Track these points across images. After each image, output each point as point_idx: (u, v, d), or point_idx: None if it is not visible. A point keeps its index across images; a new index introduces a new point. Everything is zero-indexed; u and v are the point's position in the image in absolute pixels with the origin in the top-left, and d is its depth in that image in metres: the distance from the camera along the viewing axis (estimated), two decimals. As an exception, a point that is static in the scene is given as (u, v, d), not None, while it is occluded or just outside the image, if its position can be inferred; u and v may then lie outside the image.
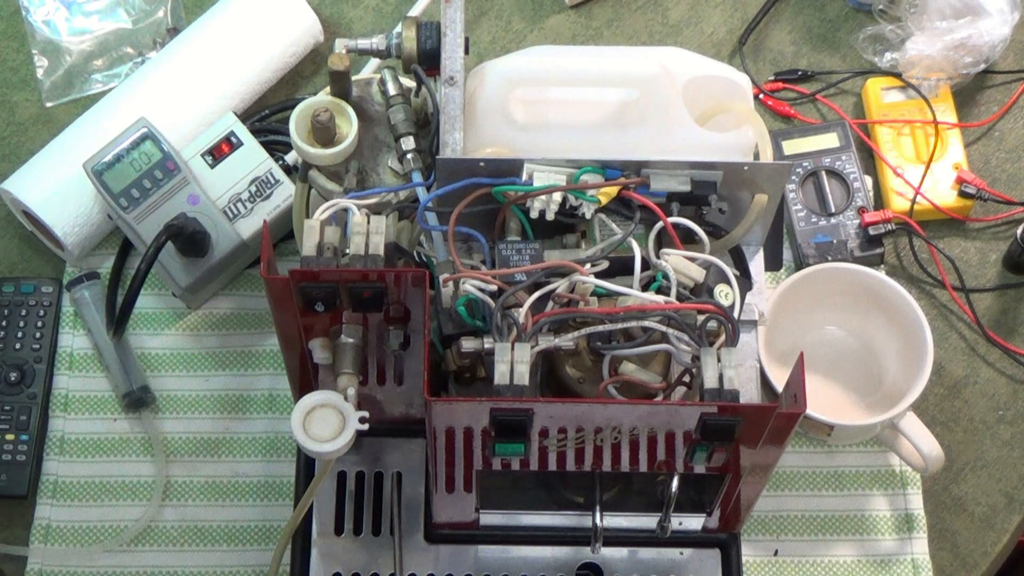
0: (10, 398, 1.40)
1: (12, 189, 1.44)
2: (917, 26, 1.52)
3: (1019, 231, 1.44)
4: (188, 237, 1.38)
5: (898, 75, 1.54)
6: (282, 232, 1.46)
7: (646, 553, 1.33)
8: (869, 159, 1.52)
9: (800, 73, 1.57)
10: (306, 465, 1.34)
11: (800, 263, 1.45)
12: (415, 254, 1.26)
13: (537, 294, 1.13)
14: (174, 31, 1.58)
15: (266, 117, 1.53)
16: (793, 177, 1.49)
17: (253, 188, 1.43)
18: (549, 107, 1.24)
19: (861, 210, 1.47)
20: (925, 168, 1.48)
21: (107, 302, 1.43)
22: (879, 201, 1.50)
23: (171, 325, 1.46)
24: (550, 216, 1.18)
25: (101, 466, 1.40)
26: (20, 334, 1.43)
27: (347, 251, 1.14)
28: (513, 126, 1.22)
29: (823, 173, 1.48)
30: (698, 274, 1.16)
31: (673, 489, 1.19)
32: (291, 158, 1.48)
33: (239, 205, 1.43)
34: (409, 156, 1.23)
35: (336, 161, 1.24)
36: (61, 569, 1.36)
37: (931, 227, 1.49)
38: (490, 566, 1.32)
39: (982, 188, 1.48)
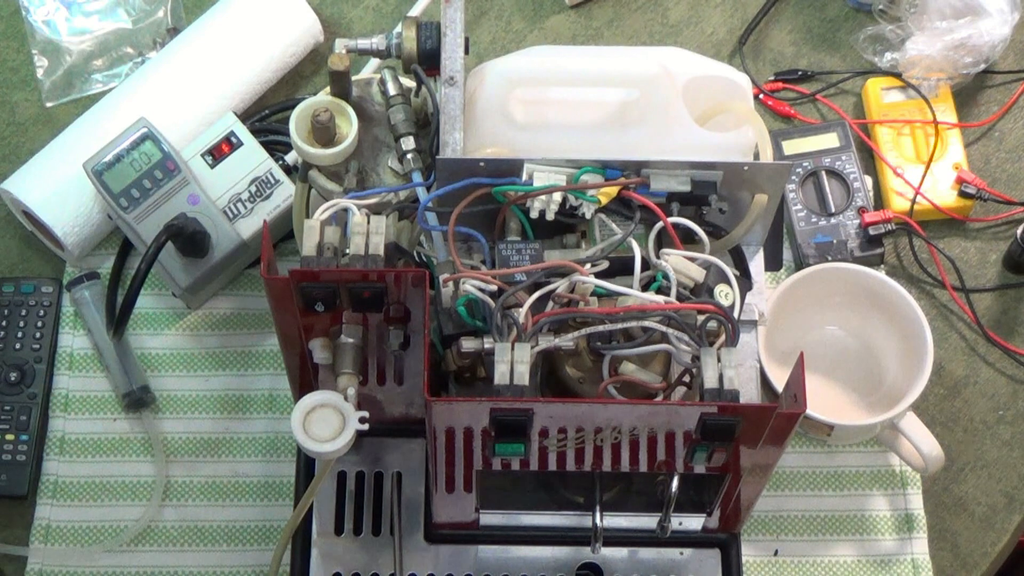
0: (10, 398, 1.40)
1: (12, 189, 1.44)
2: (917, 26, 1.52)
3: (1019, 231, 1.44)
4: (188, 237, 1.38)
5: (898, 75, 1.54)
6: (282, 232, 1.46)
7: (646, 553, 1.33)
8: (869, 159, 1.52)
9: (800, 73, 1.57)
10: (306, 465, 1.34)
11: (800, 263, 1.45)
12: (415, 254, 1.26)
13: (537, 294, 1.13)
14: (174, 31, 1.58)
15: (266, 117, 1.53)
16: (793, 177, 1.49)
17: (253, 188, 1.43)
18: (549, 107, 1.24)
19: (861, 210, 1.47)
20: (925, 168, 1.48)
21: (107, 302, 1.43)
22: (879, 201, 1.50)
23: (171, 325, 1.46)
24: (550, 216, 1.18)
25: (101, 466, 1.40)
26: (20, 334, 1.43)
27: (347, 251, 1.14)
28: (513, 126, 1.22)
29: (823, 173, 1.48)
30: (698, 274, 1.16)
31: (673, 489, 1.19)
32: (291, 158, 1.48)
33: (239, 205, 1.43)
34: (409, 156, 1.23)
35: (336, 161, 1.24)
36: (61, 569, 1.36)
37: (931, 227, 1.49)
38: (490, 566, 1.32)
39: (982, 188, 1.48)
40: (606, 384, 1.15)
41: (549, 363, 1.18)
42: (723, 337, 1.12)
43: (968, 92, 1.55)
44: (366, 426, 1.14)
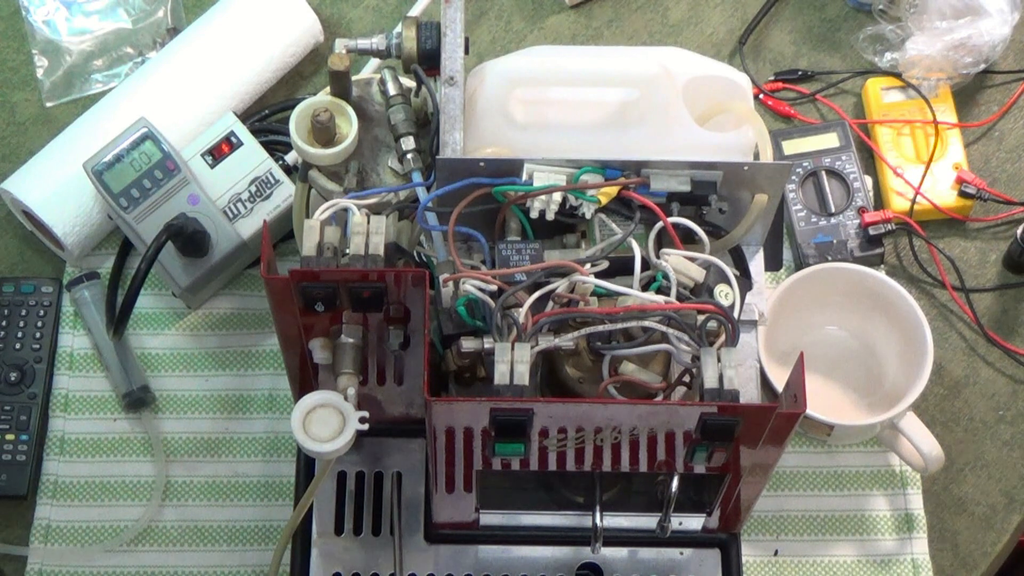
0: (10, 398, 1.40)
1: (12, 189, 1.44)
2: (917, 26, 1.52)
3: (1019, 231, 1.44)
4: (188, 237, 1.38)
5: (898, 75, 1.54)
6: (282, 232, 1.46)
7: (646, 553, 1.33)
8: (869, 159, 1.52)
9: (800, 73, 1.57)
10: (306, 465, 1.34)
11: (800, 263, 1.45)
12: (415, 254, 1.26)
13: (537, 294, 1.13)
14: (174, 31, 1.58)
15: (266, 117, 1.53)
16: (793, 177, 1.49)
17: (253, 188, 1.43)
18: (549, 107, 1.24)
19: (861, 210, 1.47)
20: (925, 168, 1.48)
21: (107, 302, 1.43)
22: (879, 201, 1.50)
23: (171, 325, 1.46)
24: (550, 216, 1.18)
25: (101, 466, 1.40)
26: (20, 334, 1.43)
27: (347, 251, 1.14)
28: (513, 126, 1.22)
29: (823, 173, 1.48)
30: (698, 274, 1.16)
31: (673, 489, 1.19)
32: (291, 158, 1.48)
33: (239, 205, 1.43)
34: (409, 156, 1.23)
35: (336, 161, 1.24)
36: (61, 569, 1.36)
37: (931, 227, 1.49)
38: (490, 566, 1.32)
39: (982, 188, 1.48)
40: (606, 384, 1.15)
41: (549, 363, 1.18)
42: (723, 337, 1.12)
43: (968, 92, 1.55)
44: (366, 426, 1.14)
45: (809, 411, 1.31)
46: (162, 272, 1.41)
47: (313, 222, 1.15)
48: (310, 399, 1.15)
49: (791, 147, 1.50)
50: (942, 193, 1.49)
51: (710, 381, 1.09)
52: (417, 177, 1.22)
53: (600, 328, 1.13)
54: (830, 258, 1.45)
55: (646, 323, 1.12)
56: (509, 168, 1.18)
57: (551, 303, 1.14)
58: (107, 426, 1.41)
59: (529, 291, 1.13)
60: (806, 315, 1.42)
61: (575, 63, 1.26)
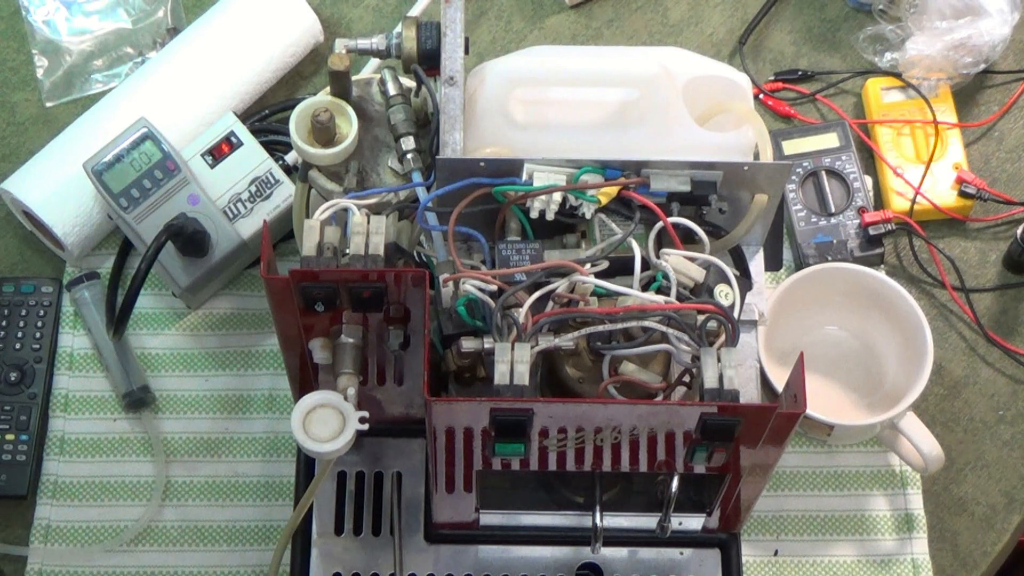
0: (10, 398, 1.40)
1: (12, 189, 1.44)
2: (917, 26, 1.52)
3: (1019, 231, 1.44)
4: (188, 237, 1.38)
5: (898, 75, 1.54)
6: (282, 232, 1.46)
7: (646, 553, 1.33)
8: (869, 159, 1.52)
9: (800, 73, 1.57)
10: (306, 465, 1.34)
11: (800, 263, 1.45)
12: (415, 254, 1.26)
13: (537, 294, 1.13)
14: (174, 31, 1.58)
15: (266, 117, 1.53)
16: (793, 177, 1.49)
17: (253, 188, 1.43)
18: (549, 107, 1.24)
19: (861, 210, 1.47)
20: (925, 168, 1.48)
21: (107, 302, 1.43)
22: (879, 201, 1.50)
23: (171, 325, 1.46)
24: (550, 216, 1.18)
25: (101, 466, 1.40)
26: (20, 334, 1.43)
27: (347, 251, 1.14)
28: (513, 126, 1.22)
29: (823, 173, 1.48)
30: (698, 274, 1.16)
31: (673, 489, 1.19)
32: (291, 158, 1.48)
33: (239, 205, 1.43)
34: (409, 156, 1.23)
35: (336, 161, 1.24)
36: (61, 569, 1.36)
37: (931, 227, 1.49)
38: (490, 566, 1.32)
39: (982, 188, 1.48)
40: (606, 384, 1.15)
41: (549, 363, 1.18)
42: (723, 337, 1.12)
43: (968, 92, 1.55)
44: (366, 426, 1.14)
45: (809, 411, 1.31)
46: (162, 272, 1.41)
47: (313, 222, 1.15)
48: (310, 399, 1.15)
49: (791, 147, 1.50)
50: (942, 193, 1.49)
51: (710, 381, 1.09)
52: (417, 177, 1.22)
53: (600, 328, 1.13)
54: (830, 258, 1.45)
55: (646, 323, 1.12)
56: (509, 168, 1.18)
57: (551, 303, 1.14)
58: (107, 426, 1.41)
59: (529, 291, 1.13)
60: (806, 315, 1.42)
61: (575, 63, 1.26)
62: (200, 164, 1.43)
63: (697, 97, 1.24)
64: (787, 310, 1.39)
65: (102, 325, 1.43)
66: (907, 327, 1.38)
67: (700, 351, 1.11)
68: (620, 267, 1.17)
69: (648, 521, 1.27)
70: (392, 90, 1.25)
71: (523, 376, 1.08)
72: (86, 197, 1.43)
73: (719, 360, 1.10)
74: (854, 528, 1.38)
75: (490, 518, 1.30)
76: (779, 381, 1.36)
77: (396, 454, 1.35)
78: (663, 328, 1.12)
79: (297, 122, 1.24)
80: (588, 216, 1.19)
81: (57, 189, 1.43)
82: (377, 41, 1.26)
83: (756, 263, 1.27)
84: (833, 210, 1.47)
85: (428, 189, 1.21)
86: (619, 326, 1.13)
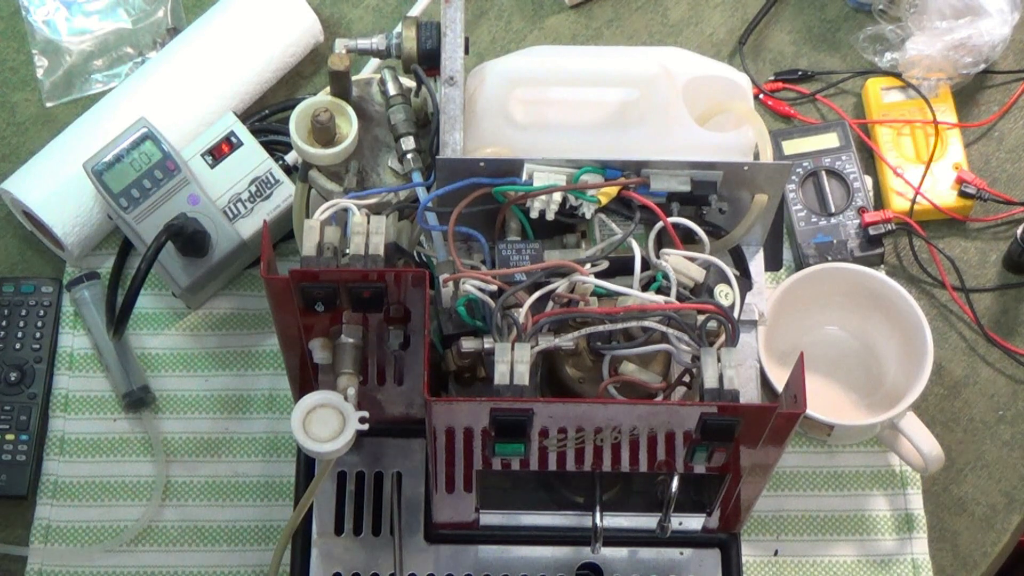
0: (10, 398, 1.40)
1: (12, 189, 1.44)
2: (917, 26, 1.52)
3: (1019, 231, 1.44)
4: (188, 237, 1.38)
5: (898, 75, 1.54)
6: (282, 232, 1.46)
7: (646, 553, 1.33)
8: (869, 159, 1.52)
9: (800, 73, 1.57)
10: (306, 465, 1.34)
11: (800, 263, 1.45)
12: (415, 254, 1.25)
13: (537, 294, 1.13)
14: (174, 31, 1.58)
15: (266, 117, 1.53)
16: (793, 177, 1.49)
17: (253, 188, 1.43)
18: (549, 107, 1.24)
19: (861, 210, 1.47)
20: (925, 168, 1.48)
21: (107, 302, 1.43)
22: (879, 201, 1.50)
23: (171, 325, 1.46)
24: (550, 216, 1.18)
25: (101, 466, 1.40)
26: (20, 334, 1.43)
27: (347, 251, 1.14)
28: (513, 126, 1.22)
29: (823, 173, 1.48)
30: (698, 274, 1.16)
31: (673, 489, 1.19)
32: (291, 158, 1.48)
33: (239, 205, 1.43)
34: (409, 156, 1.23)
35: (336, 161, 1.24)
36: (61, 569, 1.36)
37: (931, 227, 1.49)
38: (490, 566, 1.32)
39: (982, 188, 1.48)
40: (606, 384, 1.15)
41: (549, 363, 1.18)
42: (723, 337, 1.12)
43: (968, 92, 1.55)
44: (366, 426, 1.14)
45: (809, 411, 1.31)
46: (162, 272, 1.41)
47: (313, 222, 1.15)
48: (310, 399, 1.15)
49: (791, 147, 1.50)
50: (942, 193, 1.49)
51: (710, 381, 1.09)
52: (417, 177, 1.22)
53: (600, 328, 1.13)
54: (830, 258, 1.45)
55: (646, 323, 1.12)
56: (509, 168, 1.18)
57: (551, 303, 1.14)
58: (107, 426, 1.41)
59: (529, 291, 1.13)
60: (806, 315, 1.42)
61: (575, 63, 1.26)
62: (200, 164, 1.43)
63: (697, 97, 1.24)
64: (787, 310, 1.39)
65: (102, 325, 1.43)
66: (907, 327, 1.38)
67: (700, 351, 1.11)
68: (620, 267, 1.17)
69: (648, 521, 1.27)
70: (392, 90, 1.25)
71: (523, 376, 1.08)
72: (86, 197, 1.43)
73: (719, 360, 1.10)
74: (854, 528, 1.38)
75: (490, 518, 1.30)
76: (779, 381, 1.36)
77: (396, 454, 1.35)
78: (663, 328, 1.12)
79: (297, 122, 1.24)
80: (588, 216, 1.19)
81: (57, 189, 1.43)
82: (377, 41, 1.26)
83: (756, 263, 1.27)
84: (833, 210, 1.47)
85: (428, 189, 1.21)
86: (619, 326, 1.13)
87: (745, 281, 1.24)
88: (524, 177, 1.18)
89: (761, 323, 1.26)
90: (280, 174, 1.44)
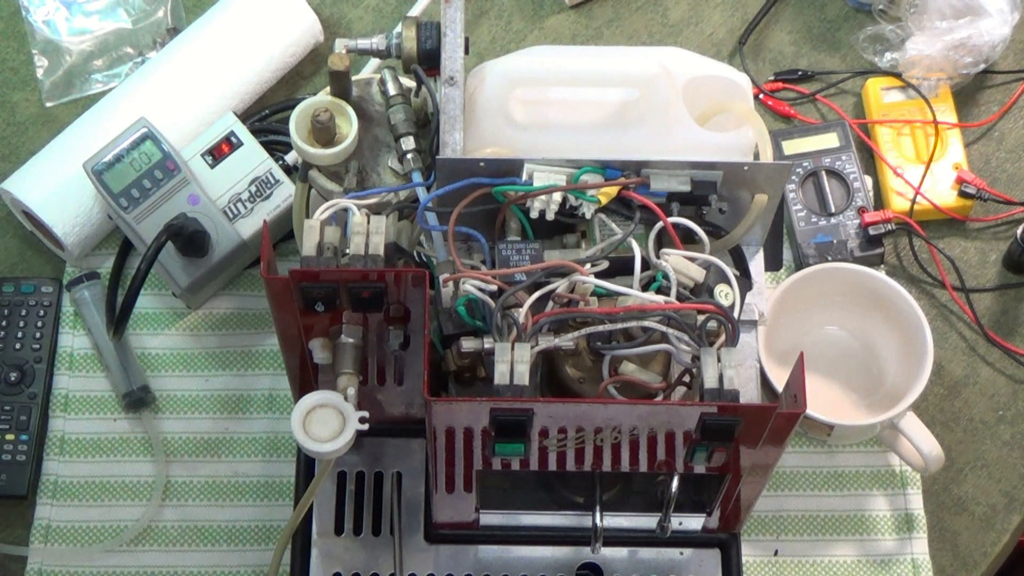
0: (10, 398, 1.40)
1: (12, 189, 1.44)
2: (917, 26, 1.52)
3: (1019, 231, 1.44)
4: (188, 237, 1.38)
5: (898, 75, 1.54)
6: (282, 232, 1.46)
7: (646, 553, 1.33)
8: (869, 159, 1.52)
9: (800, 73, 1.57)
10: (306, 465, 1.34)
11: (800, 263, 1.45)
12: (415, 254, 1.26)
13: (537, 294, 1.13)
14: (174, 31, 1.58)
15: (266, 117, 1.53)
16: (793, 177, 1.49)
17: (253, 188, 1.43)
18: (549, 107, 1.24)
19: (861, 210, 1.47)
20: (925, 168, 1.48)
21: (107, 302, 1.43)
22: (879, 201, 1.50)
23: (171, 325, 1.46)
24: (550, 216, 1.18)
25: (101, 466, 1.40)
26: (20, 334, 1.43)
27: (347, 251, 1.14)
28: (513, 126, 1.22)
29: (823, 173, 1.48)
30: (698, 274, 1.16)
31: (673, 489, 1.19)
32: (291, 158, 1.48)
33: (239, 205, 1.43)
34: (409, 156, 1.23)
35: (336, 161, 1.24)
36: (61, 569, 1.36)
37: (931, 227, 1.49)
38: (490, 566, 1.32)
39: (982, 188, 1.48)
40: (606, 384, 1.15)
41: (549, 363, 1.18)
42: (723, 337, 1.12)
43: (968, 92, 1.55)
44: (366, 426, 1.14)
45: (809, 411, 1.31)
46: (162, 272, 1.41)
47: (313, 222, 1.15)
48: (310, 399, 1.15)
49: (791, 147, 1.50)
50: (942, 193, 1.49)
51: (710, 381, 1.09)
52: (417, 177, 1.22)
53: (600, 328, 1.13)
54: (830, 258, 1.45)
55: (646, 323, 1.12)
56: (509, 168, 1.18)
57: (551, 303, 1.14)
58: (107, 426, 1.41)
59: (529, 291, 1.13)
60: (806, 315, 1.42)
61: (575, 63, 1.26)
62: (200, 164, 1.43)
63: (697, 97, 1.24)
64: (787, 310, 1.39)
65: (102, 325, 1.43)
66: (907, 327, 1.38)
67: (700, 351, 1.11)
68: (620, 267, 1.17)
69: (648, 521, 1.27)
70: (392, 90, 1.25)
71: (523, 376, 1.08)
72: (86, 197, 1.43)
73: (719, 360, 1.10)
74: (854, 528, 1.38)
75: (490, 518, 1.30)
76: (779, 381, 1.36)
77: (396, 454, 1.35)
78: (663, 328, 1.12)
79: (297, 122, 1.24)
80: (588, 216, 1.19)
81: (57, 189, 1.43)
82: (377, 41, 1.26)
83: (756, 263, 1.27)
84: (833, 210, 1.47)
85: (428, 189, 1.21)
86: (619, 326, 1.13)
87: (745, 281, 1.24)
88: (524, 177, 1.18)
89: (761, 323, 1.26)
90: (280, 174, 1.44)
